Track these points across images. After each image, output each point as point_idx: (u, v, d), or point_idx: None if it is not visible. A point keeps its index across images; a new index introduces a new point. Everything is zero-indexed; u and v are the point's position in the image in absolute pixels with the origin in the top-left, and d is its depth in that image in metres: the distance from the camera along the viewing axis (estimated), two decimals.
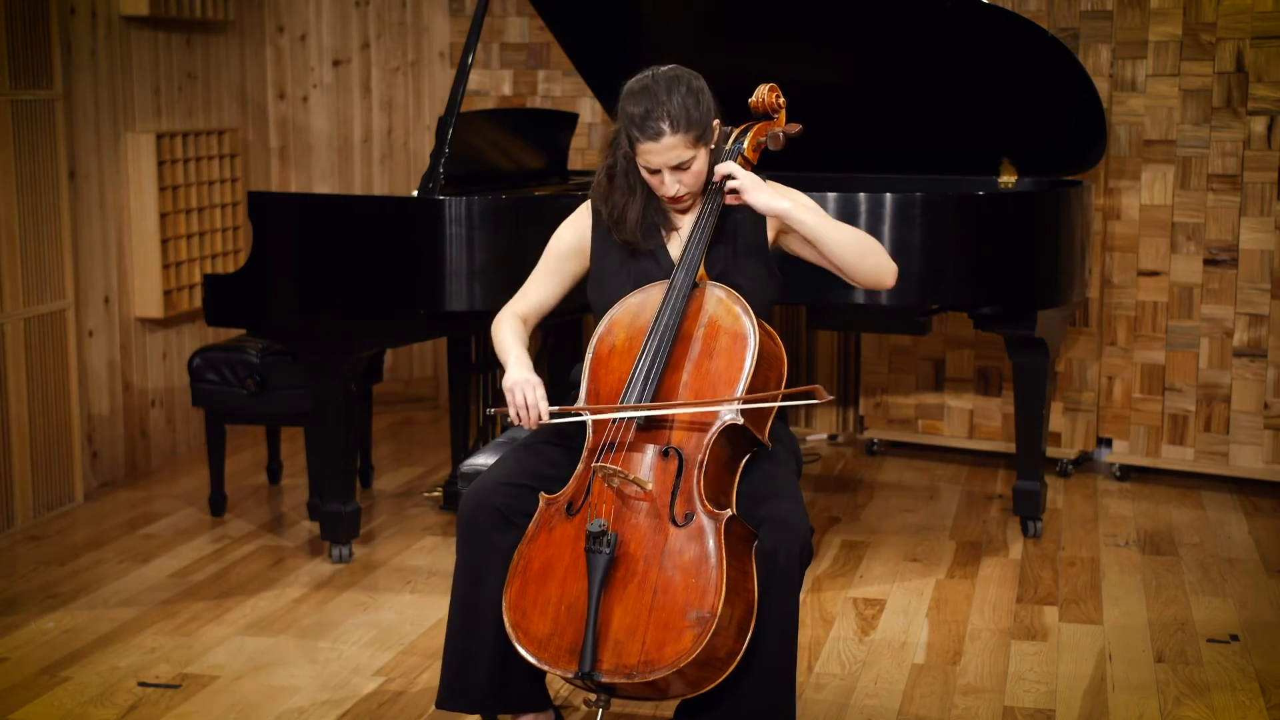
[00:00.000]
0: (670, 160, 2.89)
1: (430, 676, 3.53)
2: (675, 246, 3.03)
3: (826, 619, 3.93)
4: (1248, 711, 3.37)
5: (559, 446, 3.02)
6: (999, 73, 4.55)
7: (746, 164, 3.10)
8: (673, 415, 2.84)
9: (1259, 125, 4.98)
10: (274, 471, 5.20)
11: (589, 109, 6.04)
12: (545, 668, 2.73)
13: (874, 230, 4.19)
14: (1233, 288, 5.08)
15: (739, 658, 2.71)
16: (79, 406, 4.97)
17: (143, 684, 3.51)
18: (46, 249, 4.79)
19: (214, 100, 5.78)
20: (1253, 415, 5.09)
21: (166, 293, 5.34)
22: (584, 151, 6.05)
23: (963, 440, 5.55)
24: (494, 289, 4.04)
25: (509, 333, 3.06)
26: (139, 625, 3.88)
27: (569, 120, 5.24)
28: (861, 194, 4.23)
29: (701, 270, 2.96)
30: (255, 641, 3.78)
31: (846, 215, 4.20)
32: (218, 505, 4.83)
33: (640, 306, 2.96)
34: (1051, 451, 5.27)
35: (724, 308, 2.91)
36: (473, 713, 3.03)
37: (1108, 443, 5.39)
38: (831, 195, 4.21)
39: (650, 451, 2.82)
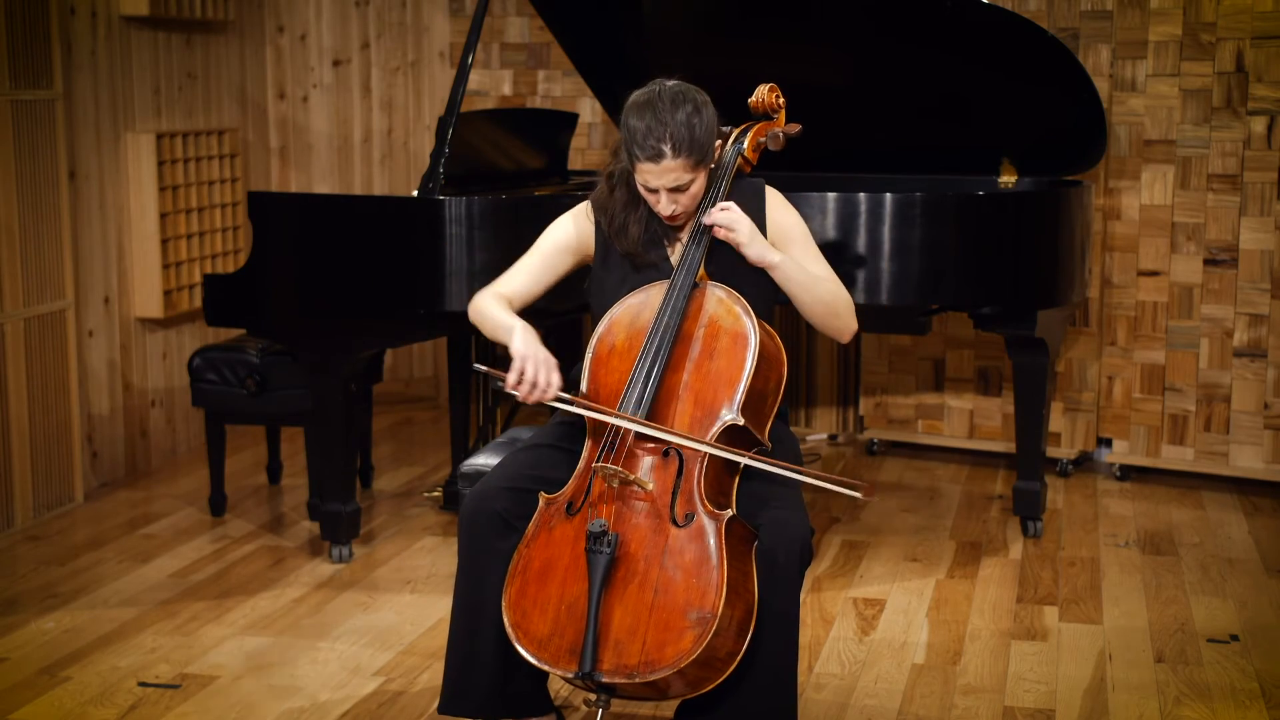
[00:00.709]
0: (668, 182, 2.89)
1: (430, 676, 3.53)
2: (675, 255, 3.03)
3: (826, 619, 3.93)
4: (1248, 711, 3.37)
5: (560, 450, 3.00)
6: (999, 73, 4.55)
7: (746, 164, 3.09)
8: (673, 416, 2.84)
9: (1259, 125, 4.98)
10: (274, 471, 5.20)
11: (589, 109, 6.04)
12: (545, 668, 2.72)
13: (874, 231, 4.19)
14: (1233, 288, 5.08)
15: (739, 658, 2.71)
16: (79, 406, 4.97)
17: (143, 684, 3.51)
18: (46, 249, 4.79)
19: (214, 100, 5.78)
20: (1253, 415, 5.09)
21: (166, 293, 5.34)
22: (584, 151, 6.05)
23: (963, 440, 5.55)
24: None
25: (497, 305, 3.00)
26: (139, 625, 3.88)
27: (569, 120, 5.24)
28: (861, 194, 4.23)
29: (702, 270, 2.96)
30: (255, 641, 3.78)
31: (846, 215, 4.20)
32: (218, 505, 4.83)
33: (640, 307, 2.95)
34: (1051, 451, 5.27)
35: (724, 308, 2.90)
36: (475, 717, 3.02)
37: (1108, 443, 5.39)
38: (831, 195, 4.21)
39: (651, 451, 2.82)
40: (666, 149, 2.84)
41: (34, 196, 4.72)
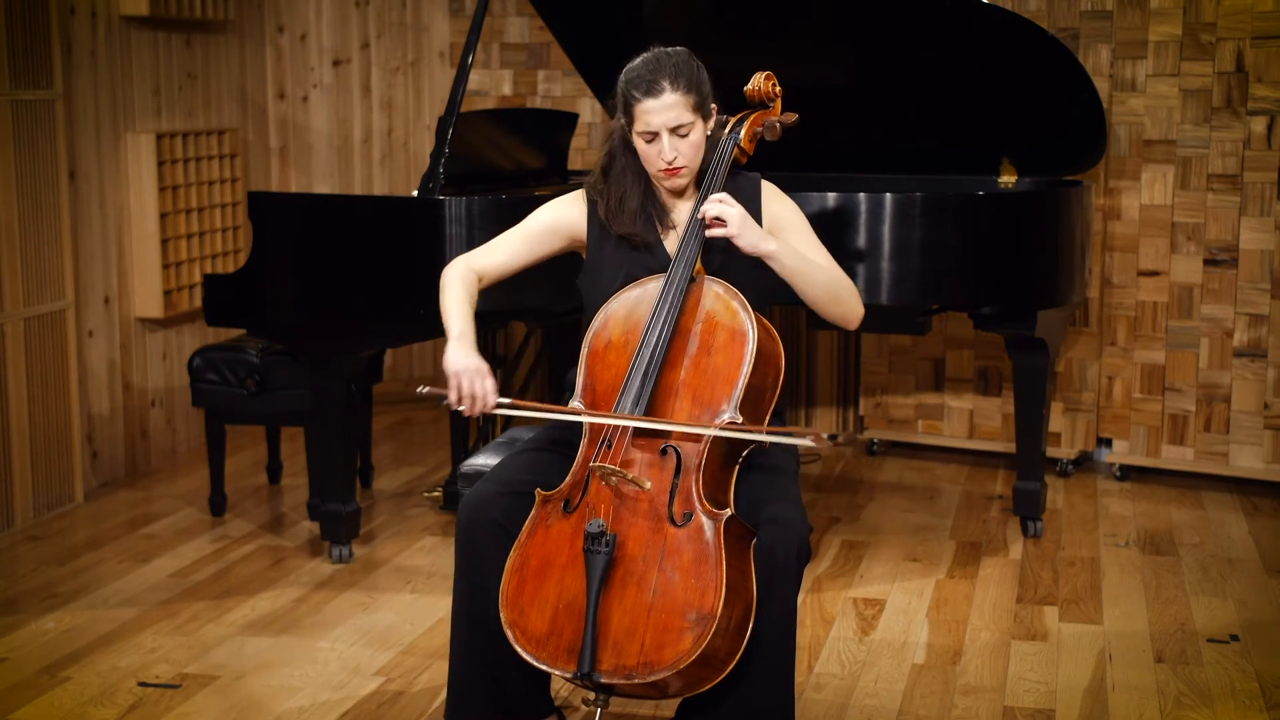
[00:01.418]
0: (670, 120, 2.88)
1: (430, 676, 3.53)
2: (672, 242, 3.01)
3: (826, 619, 3.93)
4: (1248, 711, 3.36)
5: (554, 450, 2.99)
6: (999, 72, 4.55)
7: (742, 154, 3.07)
8: (671, 413, 2.83)
9: (1259, 125, 4.98)
10: (274, 471, 5.20)
11: (589, 109, 6.04)
12: (543, 667, 2.71)
13: (874, 230, 4.19)
14: (1233, 288, 5.08)
15: (738, 657, 2.70)
16: (79, 406, 4.97)
17: (143, 684, 3.51)
18: (46, 249, 4.79)
19: (214, 100, 5.78)
20: (1253, 415, 5.09)
21: (166, 293, 5.34)
22: (584, 151, 6.05)
23: (963, 440, 5.55)
24: (494, 289, 4.03)
25: (457, 296, 2.97)
26: (139, 625, 3.88)
27: (569, 120, 5.24)
28: (861, 194, 4.23)
29: (699, 265, 2.94)
30: (255, 641, 3.77)
31: (846, 215, 4.20)
32: (218, 505, 4.83)
33: (637, 301, 2.93)
34: (1051, 451, 5.27)
35: (722, 303, 2.88)
36: None
37: (1108, 443, 5.39)
38: (832, 195, 4.21)
39: (648, 450, 2.81)
40: (665, 82, 2.87)
41: (34, 196, 4.72)
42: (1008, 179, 4.84)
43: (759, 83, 3.11)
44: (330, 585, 4.19)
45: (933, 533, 4.68)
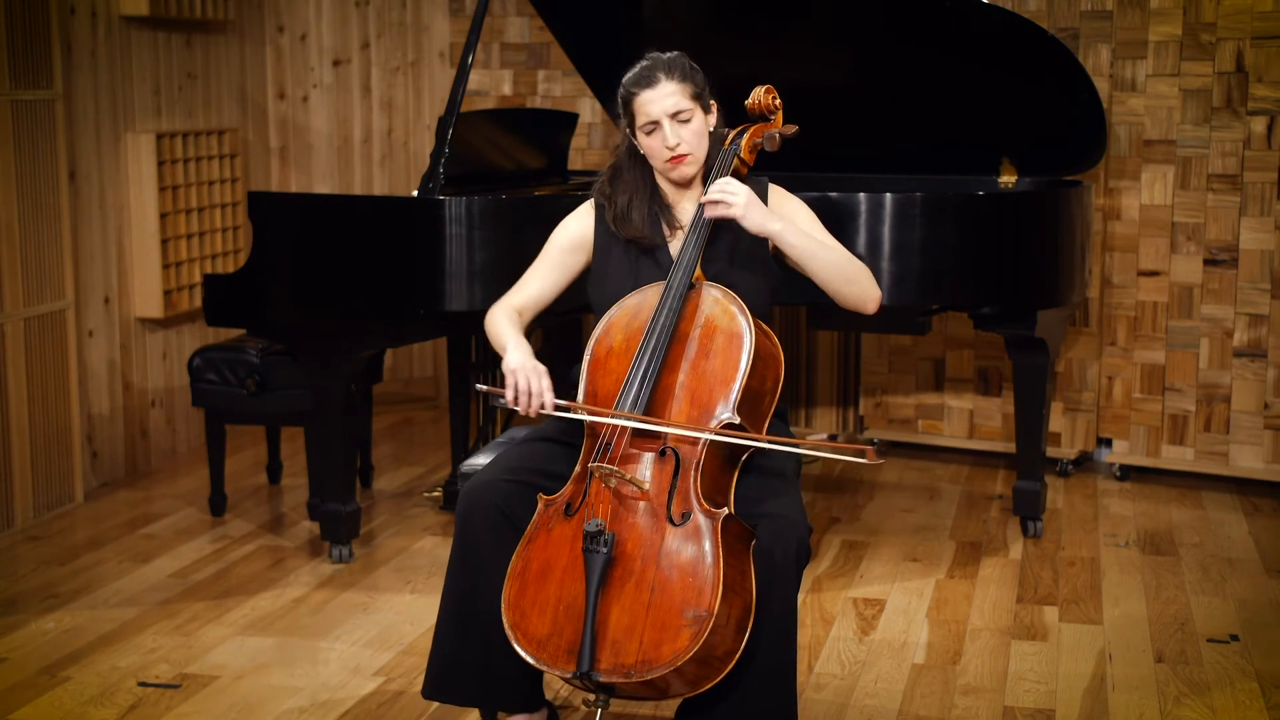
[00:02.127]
0: (669, 107, 2.94)
1: None
2: (677, 245, 3.05)
3: (826, 619, 3.93)
4: (1248, 711, 3.37)
5: (557, 443, 3.02)
6: (999, 72, 4.55)
7: (742, 165, 3.09)
8: (669, 415, 2.84)
9: (1259, 125, 4.98)
10: (274, 471, 5.20)
11: (589, 109, 6.04)
12: (544, 668, 2.72)
13: (873, 230, 4.19)
14: (1233, 288, 5.08)
15: (737, 656, 2.71)
16: (79, 406, 4.97)
17: (143, 684, 3.51)
18: (46, 249, 4.79)
19: (214, 100, 5.78)
20: (1253, 415, 5.09)
21: (166, 293, 5.34)
22: (584, 151, 6.05)
23: (963, 440, 5.55)
24: (494, 289, 4.03)
25: (505, 322, 3.06)
26: (139, 625, 3.88)
27: (569, 120, 5.24)
28: (861, 194, 4.23)
29: (698, 271, 2.97)
30: (255, 641, 3.78)
31: (846, 215, 4.20)
32: (218, 505, 4.83)
33: (637, 308, 2.97)
34: (1051, 451, 5.27)
35: (720, 308, 2.91)
36: (462, 705, 3.03)
37: (1108, 443, 5.39)
38: (832, 195, 4.21)
39: (647, 451, 2.82)
40: (661, 74, 2.95)
41: (34, 196, 4.72)
42: (1008, 179, 4.84)
43: (759, 96, 3.14)
44: (330, 585, 4.19)
45: (933, 533, 4.68)
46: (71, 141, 4.96)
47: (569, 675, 2.69)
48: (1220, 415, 5.13)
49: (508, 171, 4.91)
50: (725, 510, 2.74)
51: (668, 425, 2.81)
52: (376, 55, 6.34)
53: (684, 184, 3.06)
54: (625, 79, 3.01)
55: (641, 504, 2.77)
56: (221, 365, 4.64)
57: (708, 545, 2.69)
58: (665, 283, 2.95)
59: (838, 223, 4.20)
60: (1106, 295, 5.27)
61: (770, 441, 2.84)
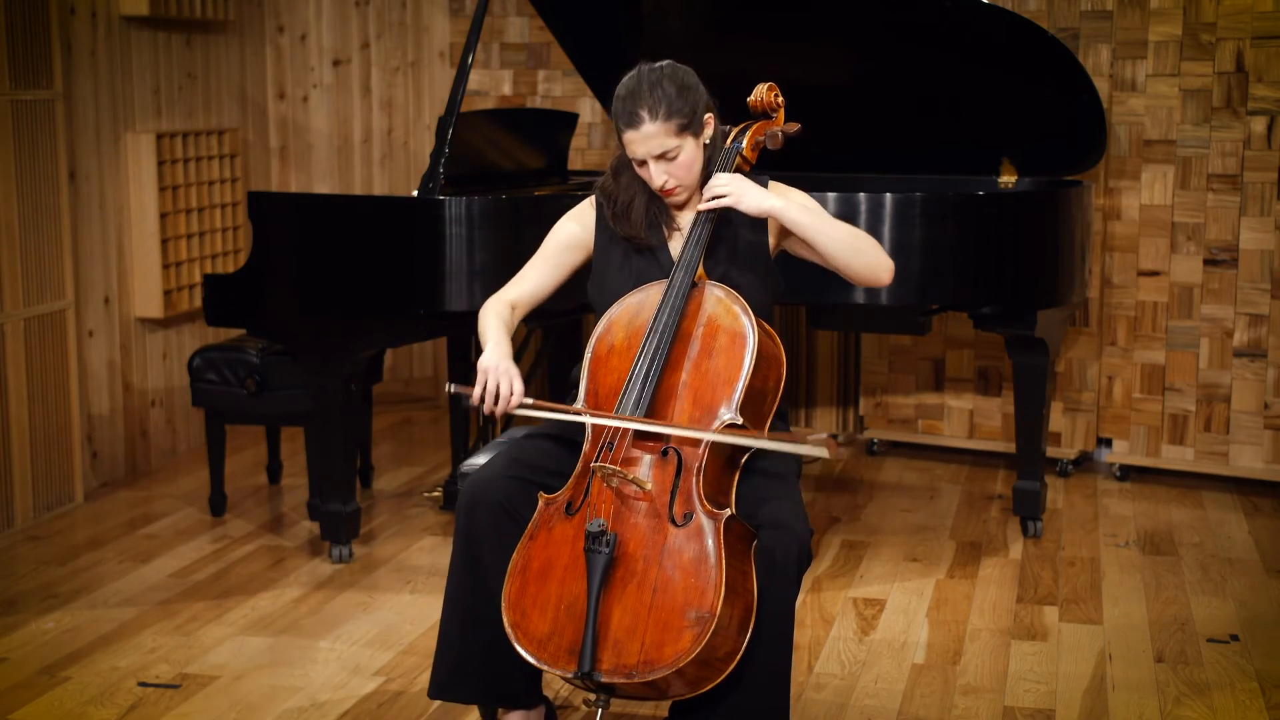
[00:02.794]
0: (653, 149, 2.90)
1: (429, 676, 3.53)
2: (676, 245, 3.04)
3: (826, 619, 3.93)
4: (1248, 711, 3.37)
5: (558, 440, 3.02)
6: (999, 72, 4.55)
7: (745, 163, 3.09)
8: (671, 415, 2.84)
9: (1259, 125, 4.98)
10: (274, 471, 5.20)
11: (589, 109, 6.04)
12: (544, 667, 2.72)
13: (874, 230, 4.19)
14: (1233, 288, 5.08)
15: (738, 657, 2.71)
16: (79, 406, 4.97)
17: (143, 684, 3.51)
18: (46, 249, 4.79)
19: (214, 100, 5.78)
20: (1253, 415, 5.09)
21: (166, 293, 5.34)
22: (584, 151, 6.05)
23: (963, 440, 5.55)
24: (494, 289, 4.01)
25: (494, 317, 3.04)
26: (139, 625, 3.88)
27: (569, 120, 5.24)
28: (861, 194, 4.23)
29: (701, 270, 2.96)
30: (255, 641, 3.78)
31: (846, 215, 4.20)
32: (218, 505, 4.83)
33: (639, 306, 2.96)
34: (1051, 451, 5.27)
35: (723, 307, 2.90)
36: (467, 703, 3.03)
37: (1108, 443, 5.39)
38: (831, 195, 4.21)
39: (649, 451, 2.82)
40: (644, 114, 2.88)
41: (34, 196, 4.72)
42: (1008, 179, 4.84)
43: (761, 93, 3.13)
44: (330, 585, 4.19)
45: (933, 533, 4.68)
46: (71, 141, 4.96)
47: (570, 675, 2.69)
48: (1220, 415, 5.14)
49: (508, 171, 4.91)
50: (728, 511, 2.73)
51: (663, 425, 2.79)
52: (376, 55, 6.34)
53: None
54: (615, 97, 2.96)
55: (643, 504, 2.76)
56: (221, 365, 4.64)
57: (710, 546, 2.69)
58: (668, 281, 2.94)
59: None
60: (1106, 295, 5.27)
61: (733, 435, 2.81)
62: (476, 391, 2.88)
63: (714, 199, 2.92)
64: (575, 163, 5.73)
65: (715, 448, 2.80)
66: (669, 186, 2.95)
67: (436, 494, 4.75)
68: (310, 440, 4.67)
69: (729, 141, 3.08)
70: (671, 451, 2.80)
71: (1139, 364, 5.25)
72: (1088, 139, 4.67)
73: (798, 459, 3.05)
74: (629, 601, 2.69)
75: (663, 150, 2.90)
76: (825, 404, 5.79)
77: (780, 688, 2.79)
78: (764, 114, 3.15)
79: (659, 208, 3.05)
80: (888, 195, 4.22)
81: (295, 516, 4.84)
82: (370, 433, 5.15)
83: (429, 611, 3.97)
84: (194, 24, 5.59)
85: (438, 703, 3.37)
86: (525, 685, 3.00)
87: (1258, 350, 5.06)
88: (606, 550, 2.70)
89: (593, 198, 3.13)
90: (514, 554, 2.82)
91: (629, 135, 2.91)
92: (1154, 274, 5.20)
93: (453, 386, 2.93)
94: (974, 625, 3.90)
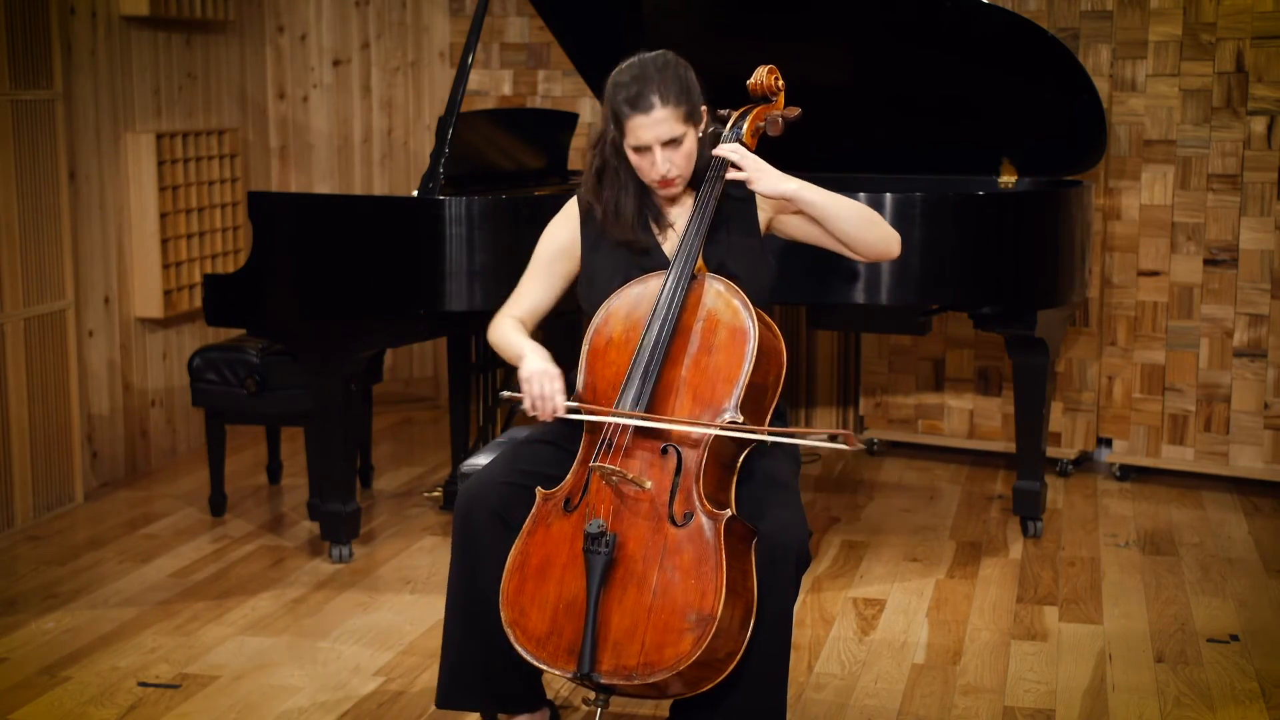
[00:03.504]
0: (662, 134, 2.87)
1: (430, 676, 3.53)
2: (669, 244, 3.00)
3: (826, 619, 3.93)
4: (1248, 711, 3.36)
5: (555, 446, 2.99)
6: (999, 72, 4.55)
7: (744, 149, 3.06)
8: (671, 412, 2.82)
9: (1259, 125, 4.98)
10: (274, 471, 5.20)
11: (589, 109, 6.04)
12: (543, 667, 2.71)
13: None
14: (1233, 288, 5.08)
15: (739, 658, 2.70)
16: (79, 406, 4.97)
17: (143, 684, 3.51)
18: (46, 249, 4.79)
19: (214, 100, 5.78)
20: (1253, 415, 5.09)
21: (166, 293, 5.34)
22: (584, 151, 6.03)
23: (963, 440, 5.55)
24: (494, 289, 4.04)
25: (512, 330, 3.03)
26: (139, 625, 3.88)
27: (569, 120, 5.24)
28: (861, 194, 4.22)
29: (700, 262, 2.92)
30: (255, 641, 3.78)
31: None
32: (218, 505, 4.83)
33: (638, 298, 2.91)
34: (1051, 451, 5.27)
35: (723, 301, 2.86)
36: (470, 710, 3.03)
37: (1108, 443, 5.39)
38: None
39: (648, 450, 2.80)
40: (656, 99, 2.85)
41: (34, 196, 4.72)
42: (1008, 179, 4.84)
43: (761, 76, 3.09)
44: (330, 585, 4.19)
45: (933, 533, 4.68)
46: (71, 141, 4.96)
47: (569, 675, 2.68)
48: (1220, 415, 5.14)
49: (508, 171, 4.91)
50: (729, 511, 2.71)
51: (676, 423, 2.78)
52: (376, 55, 6.34)
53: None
54: (615, 86, 2.90)
55: (643, 504, 2.74)
56: (221, 365, 4.64)
57: (711, 547, 2.67)
58: (667, 273, 2.90)
59: None
60: (1106, 295, 5.27)
61: (745, 431, 2.80)
62: (526, 401, 2.86)
63: (728, 168, 2.89)
64: (575, 163, 5.72)
65: (716, 446, 2.77)
66: (670, 175, 2.91)
67: (436, 494, 4.75)
68: (310, 440, 4.67)
69: (728, 127, 3.05)
70: (671, 450, 2.78)
71: (1139, 364, 5.25)
72: (1088, 139, 4.67)
73: (797, 459, 3.04)
74: (629, 603, 2.68)
75: (671, 135, 2.87)
76: (825, 404, 5.79)
77: (778, 689, 2.79)
78: (764, 98, 3.11)
79: (649, 207, 3.01)
80: (888, 195, 4.21)
81: (295, 516, 4.84)
82: (370, 433, 5.15)
83: (429, 611, 3.97)
84: (194, 24, 5.59)
85: (436, 696, 3.37)
86: (526, 688, 2.99)
87: (1258, 350, 5.06)
88: (606, 551, 2.68)
89: (575, 200, 3.08)
90: (510, 550, 2.80)
91: (636, 120, 2.86)
92: (1154, 274, 5.20)
93: (505, 393, 2.91)
94: (974, 625, 3.90)
